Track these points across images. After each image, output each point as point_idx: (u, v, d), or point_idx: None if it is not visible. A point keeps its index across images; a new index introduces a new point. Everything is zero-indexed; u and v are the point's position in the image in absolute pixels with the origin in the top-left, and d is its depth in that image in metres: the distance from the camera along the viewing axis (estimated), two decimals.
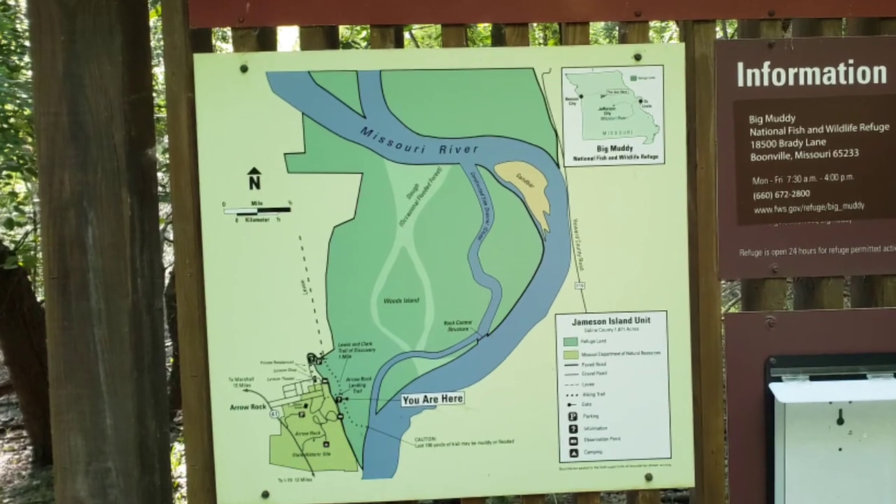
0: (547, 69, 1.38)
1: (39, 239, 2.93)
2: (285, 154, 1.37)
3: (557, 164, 1.39)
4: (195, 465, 1.40)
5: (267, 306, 1.38)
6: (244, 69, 1.37)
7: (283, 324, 1.38)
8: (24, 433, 4.21)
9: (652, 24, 1.42)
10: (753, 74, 1.41)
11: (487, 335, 1.40)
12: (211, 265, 1.38)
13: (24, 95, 3.26)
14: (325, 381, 1.39)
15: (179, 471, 3.36)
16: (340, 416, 1.40)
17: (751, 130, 1.41)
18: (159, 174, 1.63)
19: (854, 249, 1.41)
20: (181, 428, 3.26)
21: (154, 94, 1.47)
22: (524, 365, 1.41)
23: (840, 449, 1.38)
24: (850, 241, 1.40)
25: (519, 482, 1.42)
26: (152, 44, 1.51)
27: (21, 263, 3.36)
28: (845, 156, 1.41)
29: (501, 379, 1.41)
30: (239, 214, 1.37)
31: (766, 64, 1.41)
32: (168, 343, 4.14)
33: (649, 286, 1.41)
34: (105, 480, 1.36)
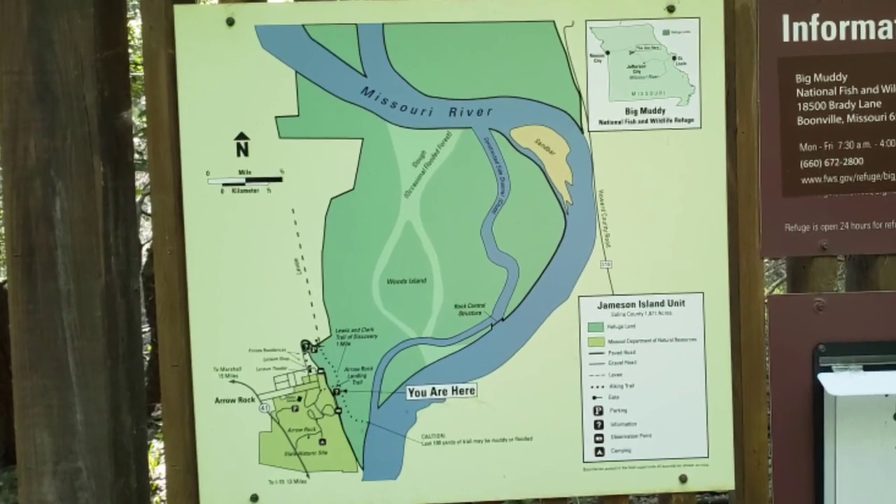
0: (569, 22, 1.35)
1: (1, 212, 2.90)
2: (277, 117, 1.34)
3: (581, 129, 1.36)
4: (176, 466, 1.38)
5: (256, 288, 1.35)
6: (230, 22, 1.34)
7: (275, 307, 1.36)
8: None
9: None
10: (800, 28, 1.38)
11: (503, 320, 1.37)
12: (193, 242, 1.35)
13: None
14: (320, 371, 1.37)
15: (158, 471, 3.34)
16: (338, 411, 1.37)
17: (797, 91, 1.38)
18: (136, 140, 1.63)
19: None
20: (160, 424, 3.18)
21: (130, 51, 1.47)
22: (544, 353, 1.38)
23: None
24: None
25: (538, 484, 1.39)
26: None
27: None
28: None
29: (518, 369, 1.38)
30: (225, 185, 1.35)
31: (815, 16, 1.38)
32: (145, 329, 4.14)
33: (684, 265, 1.38)
34: (75, 482, 1.34)
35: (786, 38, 1.38)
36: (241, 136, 1.34)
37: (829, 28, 1.38)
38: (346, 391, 1.37)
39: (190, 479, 1.38)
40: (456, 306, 1.37)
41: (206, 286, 1.36)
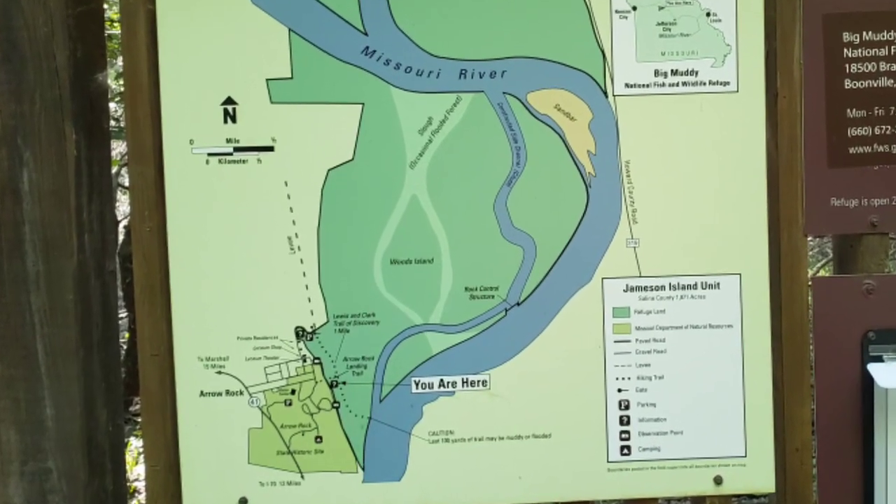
0: None
1: None
2: (268, 80, 1.32)
3: (605, 93, 1.34)
4: (156, 466, 1.35)
5: (245, 268, 1.33)
6: None
7: (265, 290, 1.34)
8: None
9: None
10: None
11: (518, 304, 1.35)
12: (176, 218, 1.33)
13: None
14: (316, 361, 1.35)
15: (136, 472, 3.33)
16: (336, 405, 1.35)
17: (845, 51, 1.35)
18: (112, 105, 1.65)
19: None
20: (138, 419, 3.13)
21: (105, 7, 1.45)
22: (564, 341, 1.36)
23: None
24: None
25: (557, 486, 1.37)
26: None
27: None
28: None
29: (535, 359, 1.36)
30: (210, 155, 1.32)
31: None
32: (123, 314, 4.05)
33: (719, 244, 1.36)
34: (44, 484, 1.32)
35: None
36: (229, 100, 1.32)
37: None
38: (344, 383, 1.35)
39: (171, 481, 1.36)
40: (466, 289, 1.35)
41: (189, 267, 1.33)
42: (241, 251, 1.33)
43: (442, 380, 1.35)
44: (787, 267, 1.37)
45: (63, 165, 1.31)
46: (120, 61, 1.58)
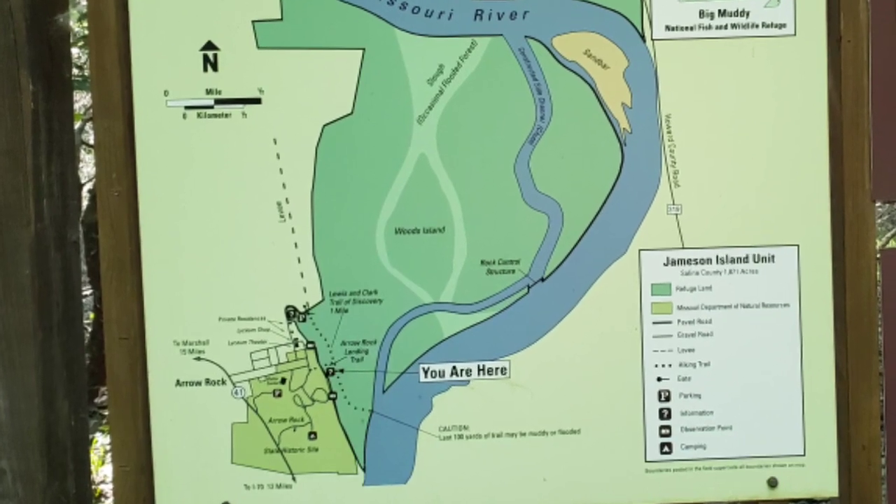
0: None
1: None
2: (254, 22, 1.30)
3: (642, 37, 1.31)
4: (125, 466, 1.32)
5: (228, 239, 1.31)
6: None
7: (252, 264, 1.31)
8: None
9: None
10: None
11: (542, 280, 1.32)
12: (148, 181, 1.31)
13: None
14: (310, 345, 1.31)
15: (103, 473, 3.31)
16: (333, 396, 1.31)
17: None
18: (74, 51, 1.66)
19: None
20: (105, 413, 3.16)
21: None
22: (595, 322, 1.33)
23: None
24: None
25: (587, 490, 1.34)
26: None
27: None
28: None
29: (562, 343, 1.33)
30: (188, 108, 1.30)
31: None
32: (87, 292, 3.96)
33: (774, 210, 1.34)
34: None
35: None
36: (209, 45, 1.30)
37: None
38: (342, 371, 1.32)
39: (143, 484, 1.32)
40: (483, 263, 1.31)
41: (163, 237, 1.31)
42: (223, 219, 1.30)
43: (454, 367, 1.32)
44: (851, 237, 1.34)
45: (18, 121, 1.29)
46: (84, 0, 1.56)
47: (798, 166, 1.33)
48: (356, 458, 1.32)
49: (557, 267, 1.31)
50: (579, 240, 1.31)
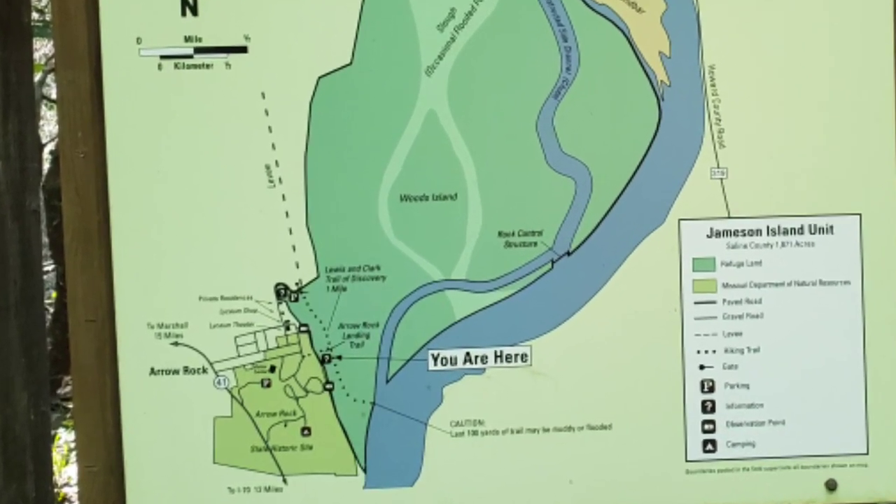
0: None
1: None
2: None
3: None
4: (92, 466, 1.30)
5: (209, 207, 1.29)
6: None
7: (236, 236, 1.29)
8: None
9: None
10: None
11: (568, 254, 1.28)
12: (118, 141, 1.27)
13: None
14: (303, 328, 1.28)
15: (67, 474, 3.31)
16: (329, 387, 1.28)
17: None
18: None
19: None
20: (69, 406, 3.17)
21: None
22: (628, 303, 1.31)
23: None
24: None
25: (619, 493, 1.31)
26: None
27: None
28: None
29: (591, 325, 1.30)
30: (164, 58, 1.26)
31: None
32: (49, 267, 3.95)
33: (832, 174, 1.30)
34: None
35: None
36: None
37: None
38: (339, 358, 1.29)
39: (112, 486, 1.30)
40: (500, 234, 1.28)
41: (136, 205, 1.29)
42: (203, 185, 1.28)
43: (468, 353, 1.29)
44: None
45: None
46: None
47: (860, 124, 1.30)
48: (356, 457, 1.30)
49: (585, 239, 1.29)
50: (610, 208, 1.29)
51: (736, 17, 1.28)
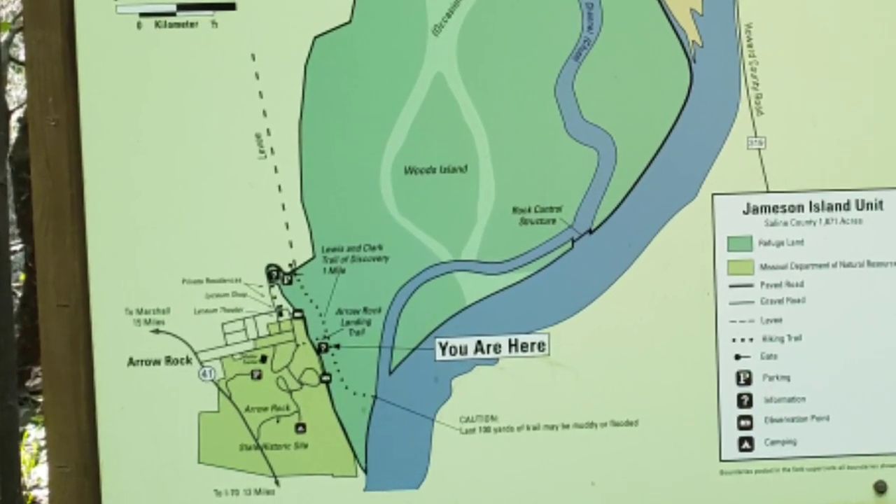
0: None
1: None
2: None
3: None
4: (64, 467, 1.27)
5: (194, 181, 1.26)
6: None
7: (224, 212, 1.26)
8: None
9: None
10: None
11: (590, 232, 1.25)
12: (93, 107, 1.24)
13: None
14: (298, 314, 1.25)
15: (37, 474, 3.30)
16: (326, 379, 1.25)
17: None
18: None
19: None
20: (39, 400, 3.16)
21: None
22: (656, 286, 1.28)
23: None
24: None
25: (646, 496, 1.28)
26: None
27: None
28: None
29: (615, 311, 1.28)
30: (144, 15, 1.23)
31: None
32: (17, 246, 3.93)
33: (883, 144, 1.27)
34: None
35: None
36: None
37: None
38: (338, 347, 1.26)
39: (87, 488, 1.26)
40: (515, 210, 1.25)
41: (113, 178, 1.25)
42: (187, 156, 1.25)
43: (480, 341, 1.26)
44: None
45: None
46: None
47: None
48: (355, 456, 1.27)
49: (609, 216, 1.26)
50: (636, 182, 1.26)
51: None
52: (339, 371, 1.26)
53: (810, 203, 1.26)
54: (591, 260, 1.26)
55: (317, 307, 1.25)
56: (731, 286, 1.26)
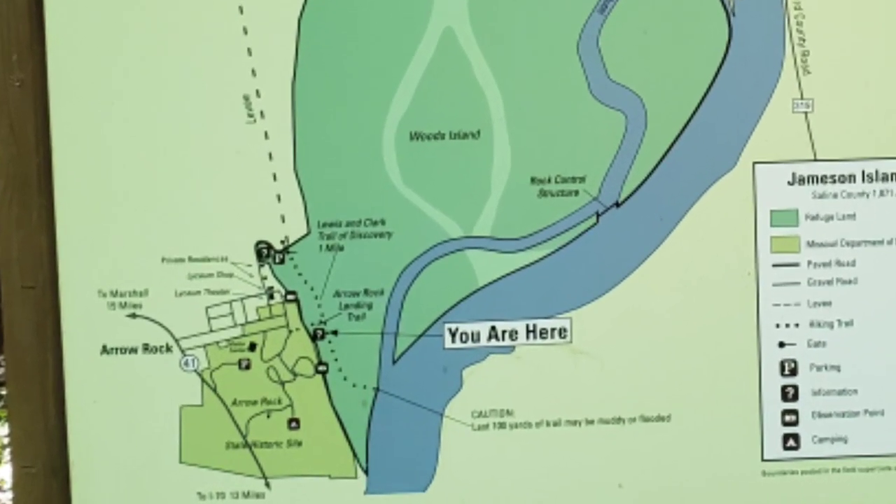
0: None
1: None
2: None
3: None
4: (30, 467, 1.24)
5: (174, 148, 1.21)
6: None
7: (208, 183, 1.22)
8: None
9: None
10: None
11: (617, 205, 1.20)
12: (62, 66, 1.21)
13: None
14: (290, 296, 1.20)
15: (0, 475, 3.29)
16: (322, 369, 1.21)
17: None
18: None
19: None
20: (2, 393, 3.04)
21: None
22: (691, 265, 1.23)
23: None
24: None
25: (680, 499, 1.23)
26: None
27: None
28: None
29: (645, 293, 1.23)
30: None
31: None
32: None
33: None
34: None
35: None
36: None
37: None
38: (335, 333, 1.21)
39: (55, 490, 1.22)
40: (534, 181, 1.20)
41: (84, 145, 1.21)
42: (167, 120, 1.20)
43: (494, 327, 1.21)
44: None
45: None
46: None
47: None
48: (355, 455, 1.23)
49: (638, 187, 1.21)
50: (669, 149, 1.21)
51: None
52: (336, 360, 1.21)
53: (863, 173, 1.22)
54: (618, 236, 1.22)
55: (312, 289, 1.21)
56: (774, 265, 1.21)
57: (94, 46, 1.20)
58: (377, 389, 1.21)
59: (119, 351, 1.21)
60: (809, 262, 1.21)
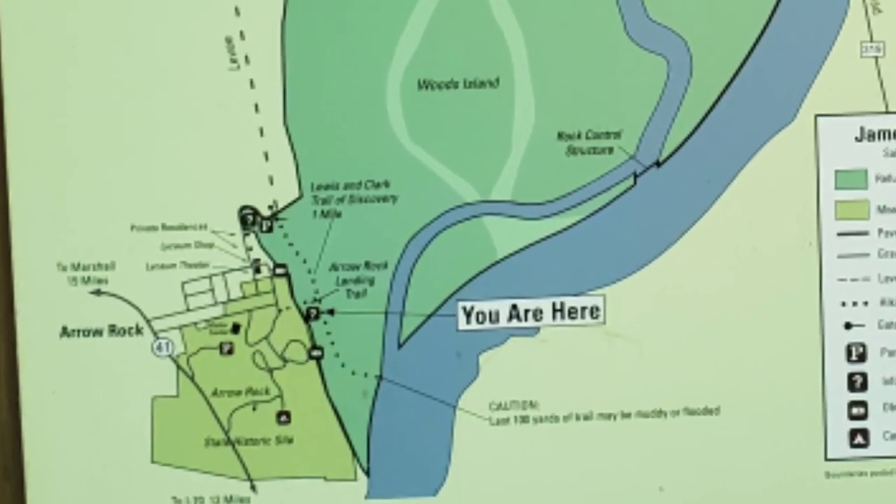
0: None
1: None
2: None
3: None
4: None
5: (146, 100, 1.11)
6: None
7: (184, 140, 1.12)
8: None
9: None
10: None
11: (657, 165, 1.10)
12: (15, 9, 1.11)
13: None
14: (280, 270, 1.11)
15: None
16: (317, 354, 1.12)
17: None
18: None
19: None
20: None
21: None
22: (742, 234, 1.12)
23: None
24: None
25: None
26: None
27: None
28: None
29: (689, 267, 1.12)
30: None
31: None
32: None
33: None
34: None
35: None
36: None
37: None
38: (331, 313, 1.11)
39: (8, 494, 1.14)
40: (561, 137, 1.10)
41: (39, 93, 1.11)
42: (138, 67, 1.10)
43: (515, 306, 1.10)
44: None
45: None
46: None
47: None
48: (354, 454, 1.12)
49: (682, 144, 1.09)
50: (717, 100, 1.09)
51: None
52: (333, 344, 1.10)
53: None
54: (659, 201, 1.10)
55: (304, 261, 1.10)
56: (839, 234, 1.11)
57: None
58: (380, 378, 1.11)
59: (81, 333, 1.11)
60: (880, 231, 1.11)
